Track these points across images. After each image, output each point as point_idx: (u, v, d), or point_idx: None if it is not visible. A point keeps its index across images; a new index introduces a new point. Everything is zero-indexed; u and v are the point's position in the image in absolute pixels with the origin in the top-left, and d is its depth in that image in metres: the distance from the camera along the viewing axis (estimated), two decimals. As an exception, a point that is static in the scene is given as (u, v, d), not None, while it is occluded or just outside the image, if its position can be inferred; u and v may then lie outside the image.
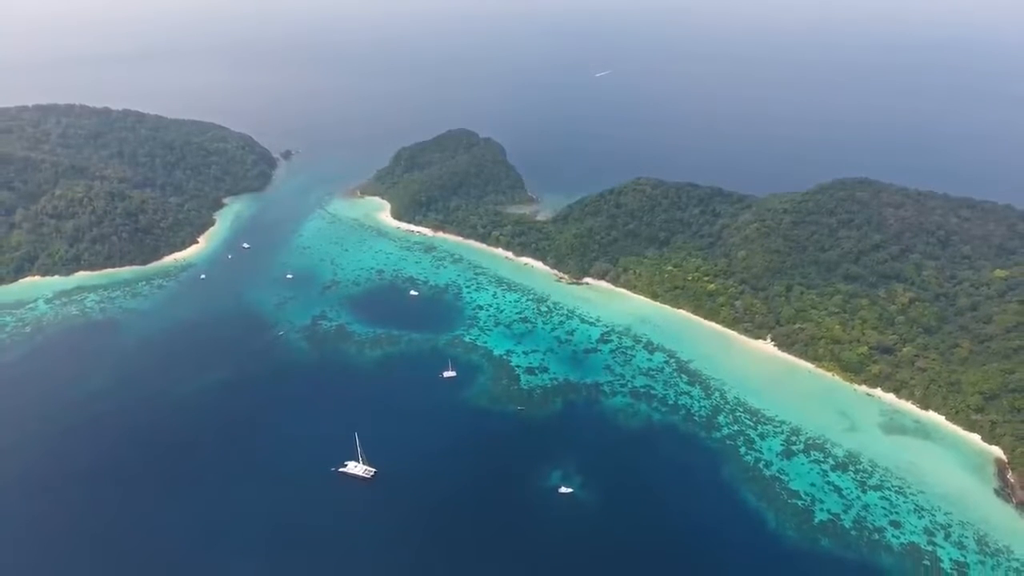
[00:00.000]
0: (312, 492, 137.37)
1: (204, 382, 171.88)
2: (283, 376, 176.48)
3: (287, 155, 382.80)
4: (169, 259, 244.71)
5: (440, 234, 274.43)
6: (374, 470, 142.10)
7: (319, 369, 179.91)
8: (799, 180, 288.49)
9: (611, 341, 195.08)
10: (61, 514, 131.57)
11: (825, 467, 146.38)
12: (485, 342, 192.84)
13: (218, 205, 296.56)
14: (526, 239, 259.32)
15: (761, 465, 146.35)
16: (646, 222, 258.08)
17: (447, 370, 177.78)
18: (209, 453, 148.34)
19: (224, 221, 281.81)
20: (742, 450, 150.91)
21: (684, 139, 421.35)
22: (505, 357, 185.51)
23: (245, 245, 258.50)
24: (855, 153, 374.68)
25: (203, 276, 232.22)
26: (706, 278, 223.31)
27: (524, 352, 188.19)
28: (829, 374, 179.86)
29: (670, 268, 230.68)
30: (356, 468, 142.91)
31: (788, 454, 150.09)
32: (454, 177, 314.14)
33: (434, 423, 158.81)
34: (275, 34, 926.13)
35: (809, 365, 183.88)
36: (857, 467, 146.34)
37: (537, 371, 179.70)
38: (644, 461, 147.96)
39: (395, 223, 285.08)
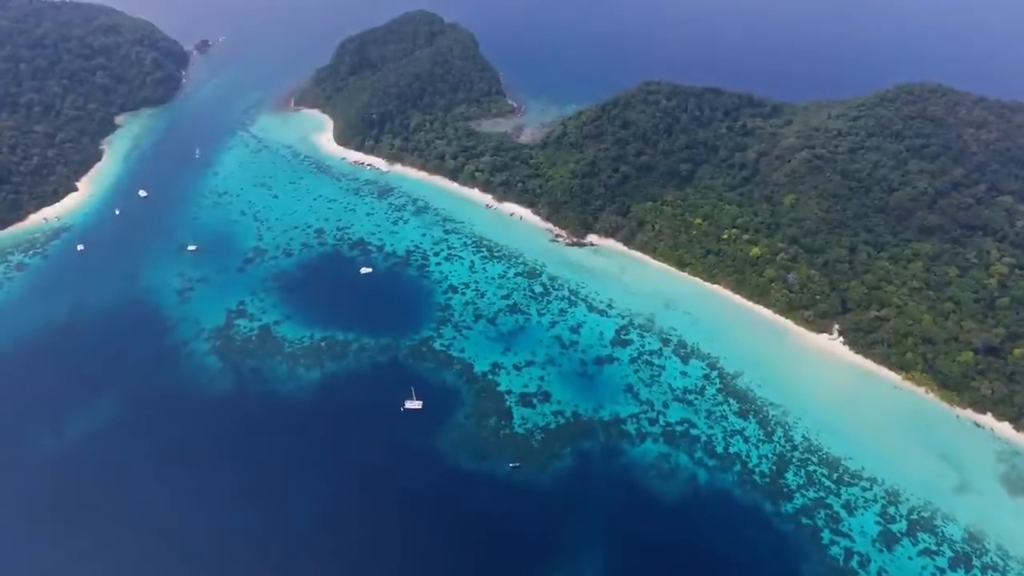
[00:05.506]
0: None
1: (67, 435, 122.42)
2: (178, 420, 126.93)
3: (203, 47, 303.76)
4: (35, 218, 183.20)
5: (397, 167, 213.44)
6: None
7: (232, 406, 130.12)
8: (847, 83, 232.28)
9: (630, 342, 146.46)
10: None
11: (940, 562, 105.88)
12: (462, 350, 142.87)
13: (107, 128, 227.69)
14: (510, 176, 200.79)
15: (855, 564, 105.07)
16: (662, 149, 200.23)
17: (410, 399, 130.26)
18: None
19: (115, 153, 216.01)
20: (824, 534, 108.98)
21: (700, 32, 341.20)
22: (490, 376, 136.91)
23: (142, 193, 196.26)
24: (916, 49, 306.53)
25: (80, 247, 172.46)
26: (746, 236, 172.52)
27: (515, 365, 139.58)
28: (921, 390, 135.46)
29: (699, 221, 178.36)
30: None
31: (888, 539, 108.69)
32: (414, 82, 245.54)
33: (391, 501, 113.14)
34: None
35: (893, 376, 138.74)
36: (983, 559, 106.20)
37: (535, 399, 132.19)
38: (690, 559, 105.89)
39: (339, 151, 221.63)
